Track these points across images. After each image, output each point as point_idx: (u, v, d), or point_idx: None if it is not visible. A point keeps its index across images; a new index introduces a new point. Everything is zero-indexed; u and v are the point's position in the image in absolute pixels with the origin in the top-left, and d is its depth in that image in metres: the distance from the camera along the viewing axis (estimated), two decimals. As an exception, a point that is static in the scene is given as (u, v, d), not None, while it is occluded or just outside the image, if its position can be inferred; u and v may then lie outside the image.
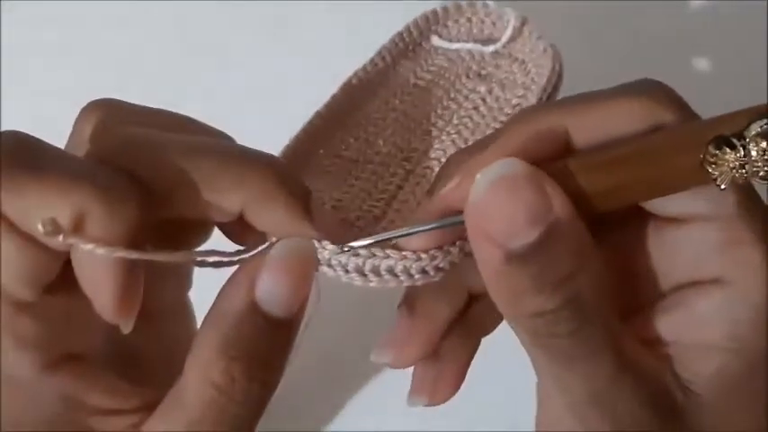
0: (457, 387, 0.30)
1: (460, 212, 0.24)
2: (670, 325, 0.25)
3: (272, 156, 0.27)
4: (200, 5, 0.55)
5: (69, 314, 0.25)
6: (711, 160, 0.22)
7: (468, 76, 0.36)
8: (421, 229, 0.25)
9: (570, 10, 0.52)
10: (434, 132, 0.34)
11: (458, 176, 0.24)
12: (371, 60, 0.36)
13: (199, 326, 0.25)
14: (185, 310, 0.31)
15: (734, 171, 0.21)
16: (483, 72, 0.36)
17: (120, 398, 0.26)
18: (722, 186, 0.22)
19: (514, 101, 0.35)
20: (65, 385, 0.25)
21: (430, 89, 0.36)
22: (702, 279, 0.25)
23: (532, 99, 0.34)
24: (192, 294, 0.32)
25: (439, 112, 0.35)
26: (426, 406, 0.30)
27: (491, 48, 0.36)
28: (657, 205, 0.25)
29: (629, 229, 0.26)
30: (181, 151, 0.24)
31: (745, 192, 0.24)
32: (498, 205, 0.23)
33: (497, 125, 0.34)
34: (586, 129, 0.24)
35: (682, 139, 0.23)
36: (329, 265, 0.26)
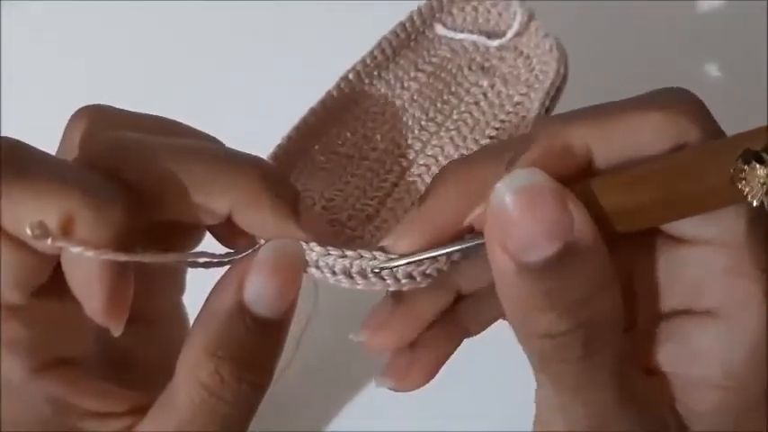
0: (428, 378, 0.29)
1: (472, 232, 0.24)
2: (667, 355, 0.25)
3: (258, 158, 0.27)
4: (201, 6, 0.55)
5: (60, 318, 0.25)
6: (741, 176, 0.21)
7: (470, 68, 0.35)
8: (447, 251, 0.25)
9: (570, 10, 0.52)
10: (432, 128, 0.33)
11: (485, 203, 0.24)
12: (371, 53, 0.35)
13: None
14: (179, 313, 0.31)
15: (764, 187, 0.21)
16: (486, 64, 0.35)
17: (112, 401, 0.26)
18: (755, 203, 0.21)
19: (516, 98, 0.34)
20: (54, 389, 0.25)
21: (431, 82, 0.35)
22: (700, 308, 0.24)
23: (535, 99, 0.33)
24: (186, 297, 0.32)
25: (439, 106, 0.34)
26: (394, 390, 0.30)
27: (496, 42, 0.36)
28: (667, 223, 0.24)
29: (633, 243, 0.26)
30: (168, 154, 0.24)
31: (755, 220, 0.23)
32: (516, 215, 0.22)
33: (497, 123, 0.33)
34: (609, 145, 0.23)
35: (709, 156, 0.22)
36: (317, 267, 0.26)
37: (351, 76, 0.34)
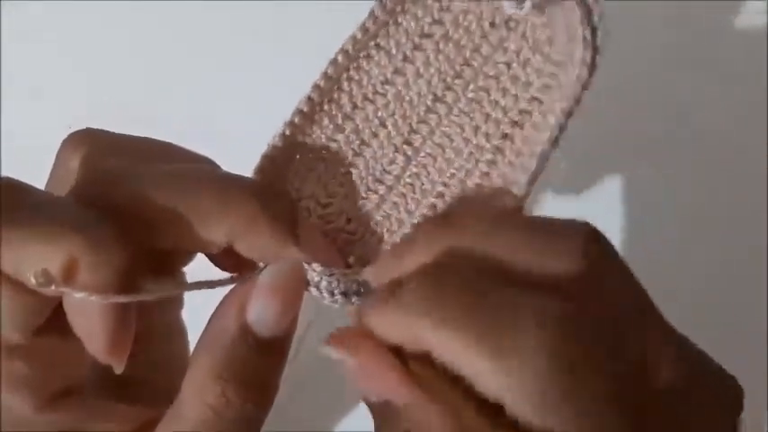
0: None
1: None
2: None
3: (254, 180, 0.27)
4: (201, 6, 0.55)
5: (61, 352, 0.26)
6: None
7: (493, 24, 0.28)
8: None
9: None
10: (442, 110, 0.28)
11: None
12: (362, 26, 0.29)
13: (193, 345, 0.26)
14: (178, 328, 0.32)
15: None
16: (516, 16, 0.28)
17: (119, 421, 0.26)
18: None
19: (544, 80, 0.27)
20: (61, 420, 0.25)
21: (440, 48, 0.29)
22: None
23: (564, 88, 0.27)
24: (185, 312, 0.32)
25: (449, 81, 0.28)
26: None
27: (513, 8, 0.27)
28: None
29: None
30: (164, 185, 0.25)
31: None
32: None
33: (515, 115, 0.28)
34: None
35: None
36: (316, 287, 0.26)
37: (340, 57, 0.29)
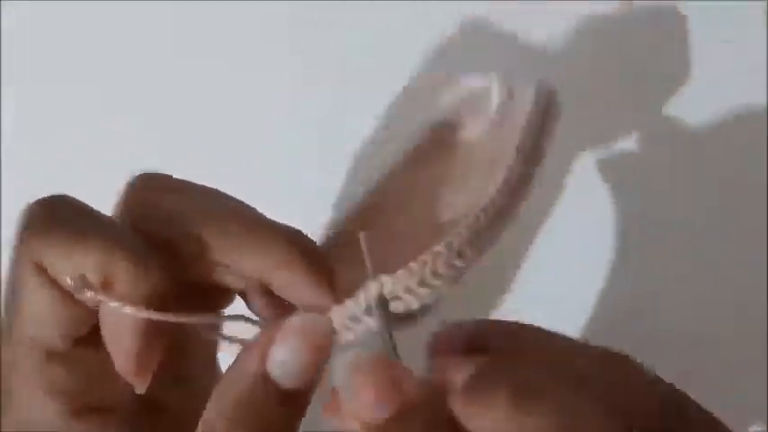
0: None
1: None
2: None
3: (295, 228, 0.27)
4: (205, 6, 0.55)
5: (101, 367, 0.26)
6: None
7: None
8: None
9: (568, 6, 0.52)
10: None
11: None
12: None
13: None
14: (214, 367, 0.32)
15: None
16: None
17: None
18: None
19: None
20: None
21: None
22: None
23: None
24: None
25: None
26: None
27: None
28: None
29: None
30: (208, 218, 0.26)
31: None
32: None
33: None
34: None
35: None
36: (347, 328, 0.26)
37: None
